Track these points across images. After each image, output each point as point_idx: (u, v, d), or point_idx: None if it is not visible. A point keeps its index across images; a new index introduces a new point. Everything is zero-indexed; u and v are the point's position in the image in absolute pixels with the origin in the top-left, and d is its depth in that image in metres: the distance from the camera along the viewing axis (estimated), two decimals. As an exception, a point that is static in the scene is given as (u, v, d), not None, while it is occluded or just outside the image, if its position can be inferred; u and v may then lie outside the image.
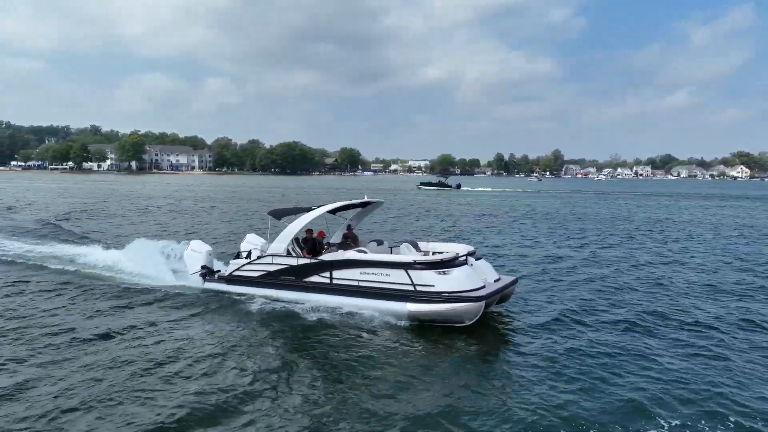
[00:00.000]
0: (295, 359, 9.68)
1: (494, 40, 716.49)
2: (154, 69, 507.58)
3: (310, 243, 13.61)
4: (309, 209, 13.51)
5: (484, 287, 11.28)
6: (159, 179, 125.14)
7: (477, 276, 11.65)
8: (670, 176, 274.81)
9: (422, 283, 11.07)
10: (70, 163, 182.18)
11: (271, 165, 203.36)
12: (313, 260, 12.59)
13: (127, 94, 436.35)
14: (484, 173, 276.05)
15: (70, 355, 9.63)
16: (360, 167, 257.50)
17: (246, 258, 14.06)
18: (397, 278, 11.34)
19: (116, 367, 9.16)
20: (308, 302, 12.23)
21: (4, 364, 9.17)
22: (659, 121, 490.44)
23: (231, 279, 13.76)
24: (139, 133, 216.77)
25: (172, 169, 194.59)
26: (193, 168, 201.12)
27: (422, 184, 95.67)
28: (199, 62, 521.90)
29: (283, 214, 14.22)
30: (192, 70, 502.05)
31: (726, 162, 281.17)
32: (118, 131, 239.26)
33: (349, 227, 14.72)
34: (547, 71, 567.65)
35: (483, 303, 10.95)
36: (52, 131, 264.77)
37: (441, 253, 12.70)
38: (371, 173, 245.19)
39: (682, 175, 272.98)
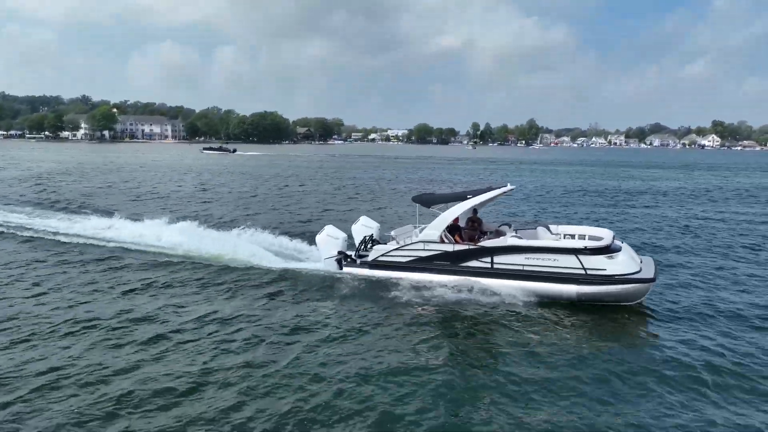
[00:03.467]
0: (453, 344, 10.09)
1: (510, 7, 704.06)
2: (167, 40, 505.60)
3: (469, 229, 14.08)
4: (464, 197, 13.65)
5: (641, 269, 12.07)
6: (130, 148, 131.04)
7: (635, 258, 12.48)
8: (643, 145, 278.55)
9: (593, 267, 11.82)
10: (46, 132, 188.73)
11: (243, 134, 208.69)
12: (471, 246, 13.00)
13: (139, 65, 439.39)
14: (461, 142, 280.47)
15: (231, 348, 9.65)
16: (336, 135, 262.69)
17: (368, 242, 14.77)
18: (566, 263, 12.00)
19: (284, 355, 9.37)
20: (464, 285, 12.60)
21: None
22: (673, 91, 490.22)
23: (375, 264, 13.76)
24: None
25: (145, 139, 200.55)
26: (166, 137, 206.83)
27: (204, 149, 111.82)
28: (213, 33, 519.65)
29: (433, 201, 14.32)
30: (205, 40, 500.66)
31: (701, 131, 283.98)
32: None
33: (474, 211, 14.40)
34: (562, 40, 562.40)
35: (652, 284, 11.99)
36: (44, 101, 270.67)
37: (574, 236, 13.71)
38: (341, 142, 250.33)
39: (654, 144, 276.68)
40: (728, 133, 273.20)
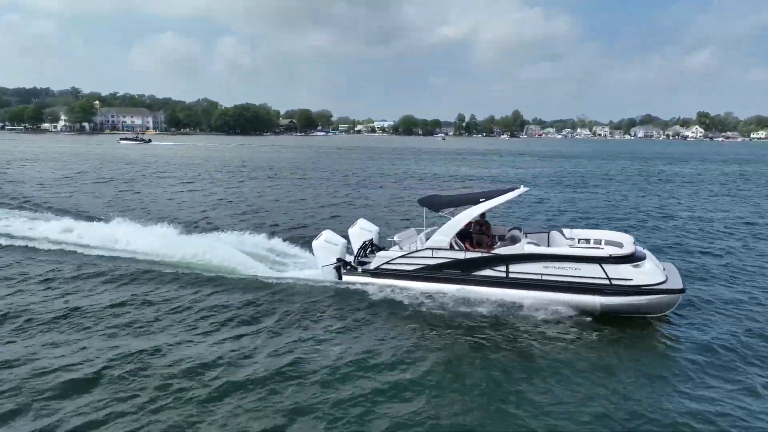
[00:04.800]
0: (461, 355, 9.60)
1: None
2: (167, 30, 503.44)
3: (479, 234, 13.20)
4: (477, 201, 12.57)
5: (667, 278, 11.27)
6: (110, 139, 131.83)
7: (659, 266, 11.65)
8: (627, 136, 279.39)
9: (619, 277, 11.02)
10: (25, 124, 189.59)
11: (225, 126, 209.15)
12: (485, 254, 12.12)
13: (136, 56, 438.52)
14: (446, 133, 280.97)
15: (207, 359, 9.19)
16: (320, 126, 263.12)
17: (368, 247, 13.99)
18: (588, 272, 11.18)
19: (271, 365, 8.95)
20: (477, 296, 11.81)
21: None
22: (670, 82, 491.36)
23: (379, 272, 12.78)
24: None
25: (125, 130, 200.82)
26: (147, 128, 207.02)
27: (121, 139, 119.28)
28: (214, 23, 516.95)
29: (442, 205, 13.25)
30: (206, 30, 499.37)
31: (685, 123, 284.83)
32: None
33: (482, 214, 13.46)
34: (562, 31, 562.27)
35: (682, 295, 11.17)
36: (35, 93, 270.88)
37: (589, 241, 12.47)
38: (323, 133, 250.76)
39: (638, 135, 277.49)
40: (714, 124, 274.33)
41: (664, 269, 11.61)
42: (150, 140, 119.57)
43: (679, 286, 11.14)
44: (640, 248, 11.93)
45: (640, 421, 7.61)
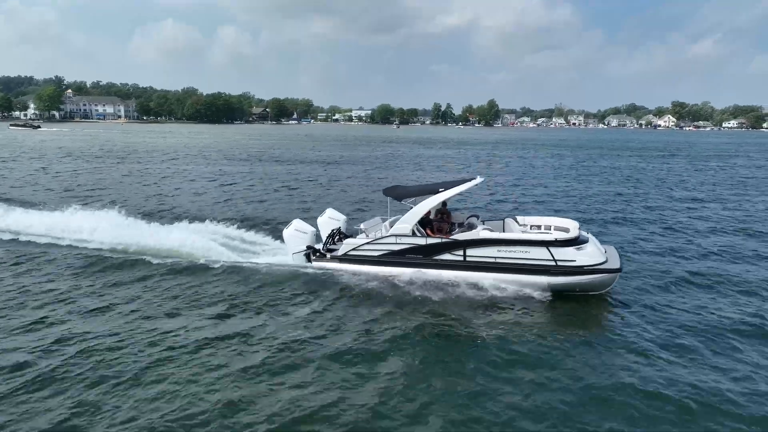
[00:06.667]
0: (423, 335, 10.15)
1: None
2: (168, 18, 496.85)
3: (439, 221, 14.07)
4: (436, 191, 13.45)
5: (607, 259, 12.28)
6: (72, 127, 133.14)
7: (601, 248, 12.64)
8: (601, 125, 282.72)
9: (564, 259, 12.05)
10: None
11: (196, 114, 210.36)
12: (444, 239, 12.90)
13: (140, 45, 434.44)
14: (423, 122, 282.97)
15: (183, 343, 9.39)
16: (295, 115, 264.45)
17: (336, 235, 14.68)
18: (537, 255, 12.14)
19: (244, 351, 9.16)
20: (437, 278, 12.61)
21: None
22: (663, 73, 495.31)
23: (346, 258, 13.48)
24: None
25: (97, 118, 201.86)
26: (119, 117, 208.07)
27: (11, 125, 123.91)
28: (215, 11, 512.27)
29: (405, 195, 14.08)
30: (207, 19, 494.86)
31: (660, 112, 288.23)
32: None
33: (443, 203, 14.37)
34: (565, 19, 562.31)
35: (619, 273, 12.25)
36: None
37: (540, 227, 13.82)
38: (296, 122, 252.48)
39: (612, 125, 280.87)
40: (689, 114, 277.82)
41: (605, 251, 12.61)
42: (39, 126, 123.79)
43: (617, 266, 12.22)
44: (584, 233, 13.09)
45: (580, 383, 8.40)
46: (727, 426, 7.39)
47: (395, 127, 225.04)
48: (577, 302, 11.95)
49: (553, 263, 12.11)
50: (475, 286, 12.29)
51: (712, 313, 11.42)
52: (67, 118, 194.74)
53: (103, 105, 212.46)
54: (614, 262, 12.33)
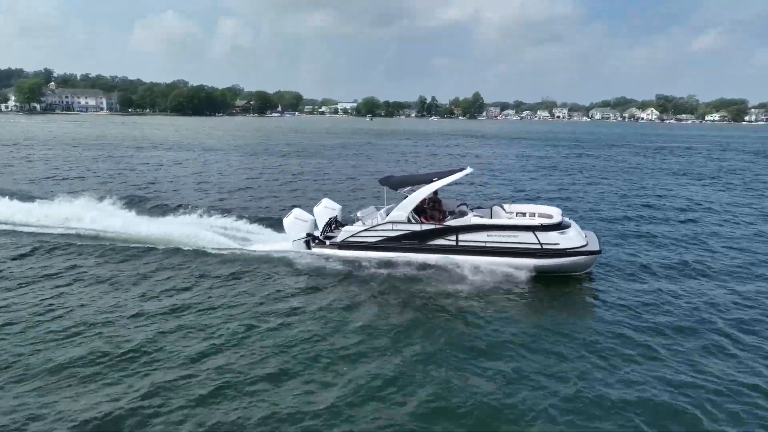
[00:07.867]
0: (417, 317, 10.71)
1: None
2: (168, 9, 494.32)
3: (432, 209, 14.77)
4: (430, 180, 14.24)
5: (587, 242, 13.26)
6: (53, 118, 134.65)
7: (581, 233, 13.60)
8: (585, 118, 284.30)
9: (549, 242, 12.98)
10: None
11: (179, 107, 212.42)
12: (437, 225, 13.73)
13: (138, 37, 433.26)
14: (408, 115, 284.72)
15: (190, 328, 9.75)
16: (279, 107, 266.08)
17: (333, 223, 15.45)
18: (524, 239, 13.07)
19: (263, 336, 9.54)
20: (432, 261, 13.48)
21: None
22: (666, 65, 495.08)
23: (344, 245, 14.21)
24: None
25: (79, 111, 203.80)
26: (101, 109, 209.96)
27: None
28: (215, 3, 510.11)
29: (401, 184, 14.82)
30: (206, 10, 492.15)
31: (644, 105, 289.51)
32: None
33: (435, 192, 14.98)
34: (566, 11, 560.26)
35: (598, 255, 13.36)
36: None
37: (525, 213, 14.70)
38: (278, 114, 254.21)
39: (595, 118, 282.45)
40: (673, 108, 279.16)
41: (585, 236, 13.60)
42: None
43: (597, 248, 13.32)
44: (566, 219, 14.20)
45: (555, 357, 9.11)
46: (706, 415, 7.59)
47: (368, 119, 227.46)
48: (558, 286, 12.78)
49: (539, 246, 13.06)
50: (467, 268, 13.13)
51: (680, 296, 12.28)
52: (48, 110, 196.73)
53: (86, 97, 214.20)
54: (594, 245, 13.40)
